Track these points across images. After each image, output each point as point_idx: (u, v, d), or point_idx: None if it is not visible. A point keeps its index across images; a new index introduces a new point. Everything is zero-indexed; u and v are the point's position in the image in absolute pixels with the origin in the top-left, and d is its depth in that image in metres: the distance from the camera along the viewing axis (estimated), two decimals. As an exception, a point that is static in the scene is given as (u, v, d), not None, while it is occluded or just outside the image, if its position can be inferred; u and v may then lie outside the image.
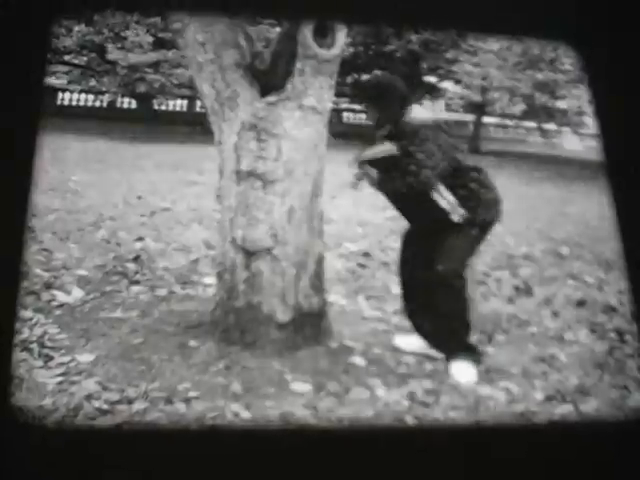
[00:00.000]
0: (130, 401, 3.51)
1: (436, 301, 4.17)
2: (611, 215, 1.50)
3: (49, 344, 4.20)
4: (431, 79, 32.48)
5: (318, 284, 4.49)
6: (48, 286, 5.25)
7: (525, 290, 6.15)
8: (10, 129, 1.35)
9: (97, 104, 29.60)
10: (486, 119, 32.93)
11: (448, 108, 39.51)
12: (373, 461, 1.52)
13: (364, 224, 9.02)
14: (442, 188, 4.12)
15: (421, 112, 4.37)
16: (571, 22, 1.52)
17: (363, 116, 36.47)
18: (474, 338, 4.31)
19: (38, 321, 4.51)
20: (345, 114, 35.59)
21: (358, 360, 4.30)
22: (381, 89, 4.35)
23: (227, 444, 1.55)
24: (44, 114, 1.37)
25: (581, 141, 32.66)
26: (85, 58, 26.88)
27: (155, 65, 25.18)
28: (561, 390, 3.90)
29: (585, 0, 1.53)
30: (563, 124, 29.76)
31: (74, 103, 29.39)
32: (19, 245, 1.36)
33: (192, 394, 3.63)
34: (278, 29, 4.97)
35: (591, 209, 11.23)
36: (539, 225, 10.22)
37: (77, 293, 5.20)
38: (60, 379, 3.73)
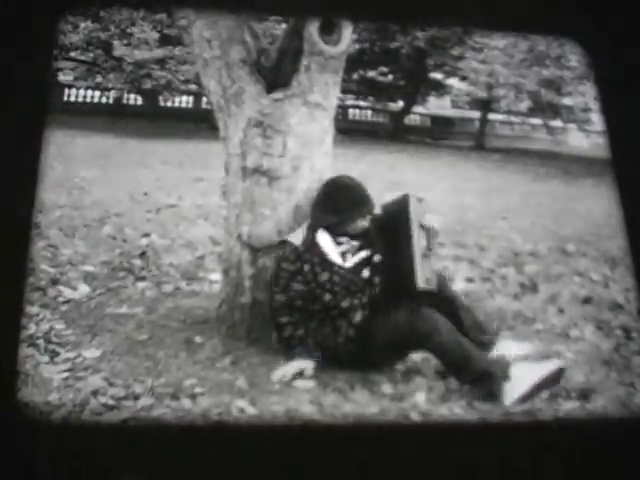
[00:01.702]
0: (136, 397, 3.52)
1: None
2: (617, 212, 1.50)
3: (55, 340, 4.21)
4: (437, 76, 32.49)
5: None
6: (54, 282, 5.26)
7: (531, 287, 6.14)
8: (16, 126, 1.35)
9: (103, 100, 29.65)
10: (492, 116, 32.93)
11: (454, 105, 39.55)
12: (378, 457, 1.53)
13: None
14: None
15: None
16: (577, 19, 1.52)
17: (369, 113, 36.54)
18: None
19: (44, 317, 4.52)
20: (351, 111, 35.61)
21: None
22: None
23: (233, 440, 1.55)
24: (50, 111, 1.38)
25: (587, 138, 32.61)
26: (91, 55, 26.90)
27: (161, 61, 25.20)
28: (567, 387, 3.89)
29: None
30: (569, 121, 29.77)
31: (80, 99, 29.45)
32: (25, 241, 1.36)
33: (198, 390, 3.63)
34: (284, 26, 4.97)
35: (597, 206, 11.22)
36: (545, 222, 10.21)
37: (83, 289, 5.21)
38: (66, 375, 3.74)
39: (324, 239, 4.08)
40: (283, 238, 4.23)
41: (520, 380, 3.74)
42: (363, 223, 4.15)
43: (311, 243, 4.08)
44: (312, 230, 4.13)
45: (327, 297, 4.00)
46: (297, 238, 4.14)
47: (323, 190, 4.21)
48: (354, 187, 4.18)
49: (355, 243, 4.16)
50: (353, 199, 4.12)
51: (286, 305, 4.02)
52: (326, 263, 4.04)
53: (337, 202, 4.11)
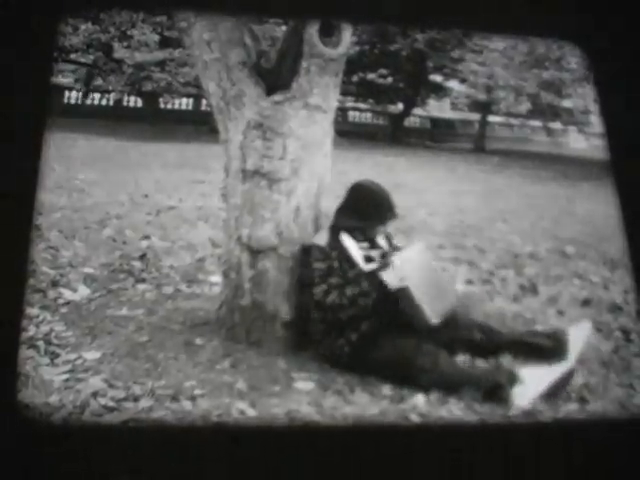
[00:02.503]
0: (136, 399, 3.52)
1: None
2: (616, 213, 1.50)
3: (55, 342, 4.21)
4: (437, 78, 32.46)
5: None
6: (54, 284, 5.26)
7: (530, 289, 6.14)
8: (17, 128, 1.36)
9: (103, 103, 29.64)
10: (492, 118, 32.93)
11: (454, 107, 39.57)
12: (377, 458, 1.53)
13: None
14: None
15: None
16: (576, 21, 1.52)
17: (369, 115, 36.54)
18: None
19: (44, 319, 4.52)
20: (351, 113, 35.61)
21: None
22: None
23: (233, 441, 1.55)
24: (50, 113, 1.38)
25: (586, 140, 32.64)
26: (91, 57, 26.95)
27: (161, 64, 25.23)
28: (567, 388, 3.90)
29: (591, -1, 1.54)
30: (569, 123, 29.84)
31: (80, 101, 29.43)
32: (25, 243, 1.37)
33: (198, 392, 3.64)
34: (284, 28, 4.97)
35: (596, 208, 11.22)
36: (544, 224, 10.21)
37: (83, 291, 5.21)
38: (66, 376, 3.74)
39: (347, 241, 4.20)
40: (310, 242, 4.31)
41: (532, 384, 3.76)
42: (385, 229, 4.37)
43: (336, 244, 4.19)
44: (335, 232, 4.24)
45: (350, 291, 4.07)
46: (321, 239, 4.24)
47: (349, 194, 4.36)
48: (378, 193, 4.32)
49: (376, 252, 4.31)
50: (376, 205, 4.28)
51: (329, 291, 4.08)
52: (351, 262, 4.15)
53: (361, 207, 4.27)
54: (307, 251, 4.28)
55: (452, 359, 4.01)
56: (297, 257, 4.36)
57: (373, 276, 4.05)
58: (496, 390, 3.76)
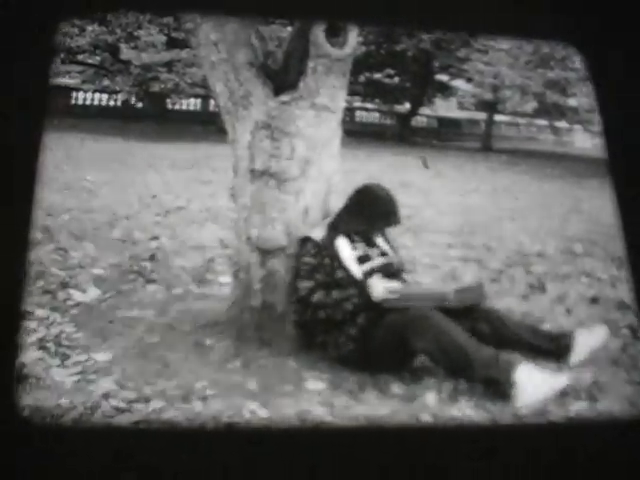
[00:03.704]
0: (147, 400, 3.52)
1: None
2: (614, 212, 1.51)
3: (66, 343, 4.22)
4: (443, 78, 32.46)
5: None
6: (64, 285, 5.27)
7: (539, 287, 6.14)
8: (16, 128, 1.36)
9: (111, 103, 29.67)
10: (498, 117, 32.89)
11: (460, 106, 39.54)
12: (388, 459, 1.54)
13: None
14: None
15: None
16: (575, 22, 1.53)
17: (376, 115, 36.53)
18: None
19: (54, 320, 4.53)
20: (358, 113, 35.60)
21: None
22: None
23: (244, 442, 1.56)
24: (50, 113, 1.39)
25: (592, 138, 32.54)
26: (98, 58, 27.01)
27: (168, 64, 25.23)
28: (575, 387, 3.89)
29: (589, 0, 1.54)
30: (574, 122, 29.70)
31: (88, 102, 29.47)
32: (25, 243, 1.37)
33: (209, 392, 3.64)
34: (290, 28, 4.98)
35: (603, 206, 11.17)
36: (552, 223, 10.19)
37: (93, 292, 5.22)
38: (77, 378, 3.75)
39: (343, 243, 4.21)
40: (304, 235, 4.30)
41: (535, 388, 3.73)
42: (383, 232, 4.44)
43: (330, 242, 4.19)
44: (334, 230, 4.25)
45: (336, 294, 4.07)
46: (317, 234, 4.24)
47: (356, 196, 4.36)
48: (386, 199, 4.33)
49: (372, 251, 4.34)
50: (383, 211, 4.31)
51: (314, 289, 4.12)
52: (342, 263, 4.17)
53: (367, 211, 4.29)
54: (302, 243, 4.28)
55: (454, 326, 3.93)
56: (295, 249, 4.36)
57: (361, 284, 4.10)
58: (492, 384, 3.75)
